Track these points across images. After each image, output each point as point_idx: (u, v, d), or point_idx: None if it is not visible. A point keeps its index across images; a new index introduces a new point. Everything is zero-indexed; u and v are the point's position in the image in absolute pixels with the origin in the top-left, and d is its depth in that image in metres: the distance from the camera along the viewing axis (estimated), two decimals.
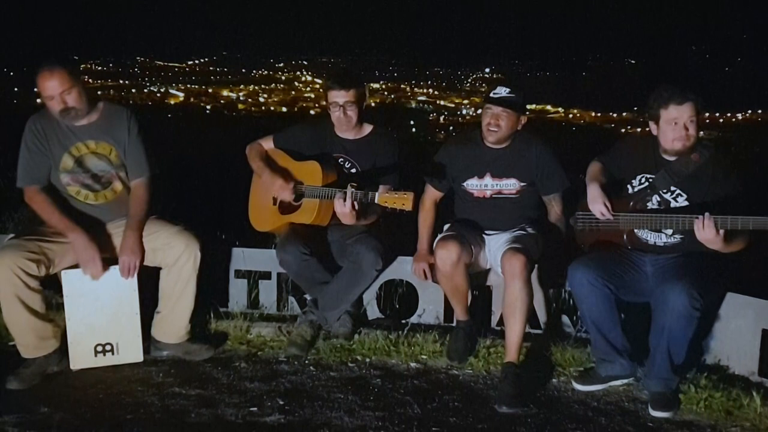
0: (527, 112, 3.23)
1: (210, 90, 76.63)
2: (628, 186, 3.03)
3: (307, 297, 3.48)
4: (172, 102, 68.11)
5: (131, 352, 3.10)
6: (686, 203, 2.89)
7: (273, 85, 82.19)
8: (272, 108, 66.84)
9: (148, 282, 3.13)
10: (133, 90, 72.17)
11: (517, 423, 2.64)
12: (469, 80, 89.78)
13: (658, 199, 2.95)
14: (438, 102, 77.01)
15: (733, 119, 63.55)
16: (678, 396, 2.79)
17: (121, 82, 75.25)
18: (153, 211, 3.13)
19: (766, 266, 3.34)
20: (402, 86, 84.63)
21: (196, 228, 3.15)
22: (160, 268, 3.12)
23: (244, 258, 3.62)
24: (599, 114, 67.92)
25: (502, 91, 3.10)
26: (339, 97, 3.26)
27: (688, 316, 2.64)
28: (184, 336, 3.19)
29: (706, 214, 2.63)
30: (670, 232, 2.91)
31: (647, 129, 3.00)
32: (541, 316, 3.38)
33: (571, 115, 69.64)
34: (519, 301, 2.88)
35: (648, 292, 2.88)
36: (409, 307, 3.58)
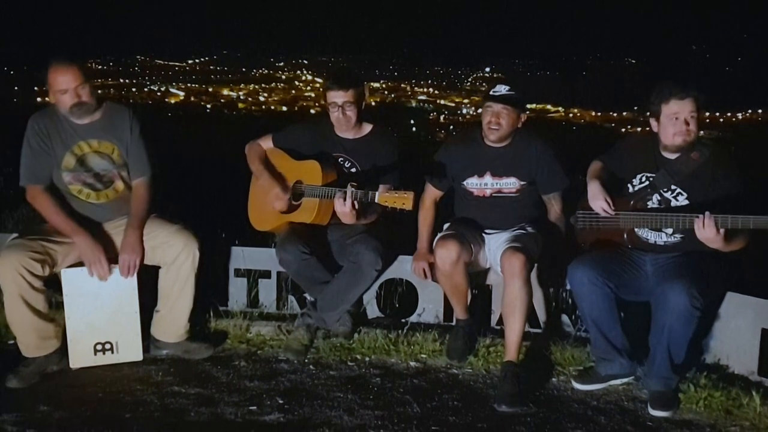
0: (527, 110, 3.23)
1: (210, 89, 76.45)
2: (629, 185, 3.03)
3: (307, 297, 3.48)
4: (173, 101, 68.06)
5: (131, 350, 3.10)
6: (686, 202, 2.89)
7: (273, 84, 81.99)
8: (272, 107, 66.78)
9: (148, 281, 3.13)
10: (134, 89, 72.03)
11: (516, 422, 2.64)
12: (470, 79, 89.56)
13: (659, 198, 2.95)
14: (438, 101, 76.85)
15: (733, 119, 63.49)
16: (678, 395, 2.79)
17: (121, 81, 75.08)
18: (152, 209, 3.13)
19: (766, 266, 3.34)
20: (402, 85, 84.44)
21: (196, 227, 3.15)
22: (159, 267, 3.12)
23: (243, 257, 3.62)
24: (599, 113, 67.85)
25: (502, 89, 3.10)
26: (338, 97, 3.26)
27: (688, 316, 2.64)
28: (183, 335, 3.19)
29: (707, 213, 2.62)
30: (670, 231, 2.91)
31: (647, 128, 3.00)
32: (541, 315, 3.38)
33: (571, 115, 69.58)
34: (518, 300, 2.87)
35: (648, 292, 2.87)
36: (409, 306, 3.58)
